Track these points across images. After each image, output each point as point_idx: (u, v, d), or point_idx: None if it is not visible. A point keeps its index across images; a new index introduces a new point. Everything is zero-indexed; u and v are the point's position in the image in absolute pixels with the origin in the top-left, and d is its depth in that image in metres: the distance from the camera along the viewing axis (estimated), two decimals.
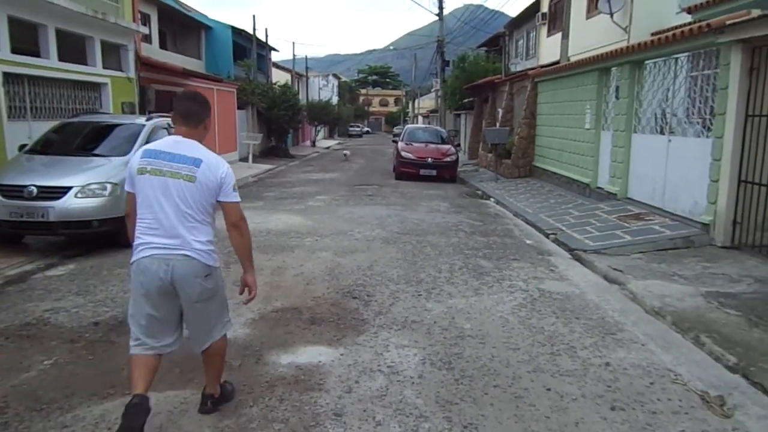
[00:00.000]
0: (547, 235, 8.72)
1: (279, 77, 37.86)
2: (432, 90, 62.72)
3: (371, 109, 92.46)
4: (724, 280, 5.95)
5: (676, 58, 8.71)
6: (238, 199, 3.17)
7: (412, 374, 3.90)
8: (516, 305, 5.38)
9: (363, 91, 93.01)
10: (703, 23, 7.27)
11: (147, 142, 8.23)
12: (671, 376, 3.88)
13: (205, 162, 3.03)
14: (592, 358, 4.17)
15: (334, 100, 55.84)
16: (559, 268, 6.80)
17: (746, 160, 6.93)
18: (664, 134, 8.98)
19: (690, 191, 8.07)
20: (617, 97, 10.42)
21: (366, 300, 5.49)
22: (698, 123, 8.16)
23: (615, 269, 6.52)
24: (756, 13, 6.54)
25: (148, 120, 8.76)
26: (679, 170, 8.44)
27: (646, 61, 9.60)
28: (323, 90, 55.90)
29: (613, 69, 10.92)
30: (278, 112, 25.64)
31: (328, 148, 38.39)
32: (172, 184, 2.98)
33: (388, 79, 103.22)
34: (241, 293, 3.30)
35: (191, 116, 3.13)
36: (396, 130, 74.69)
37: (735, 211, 7.10)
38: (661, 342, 4.48)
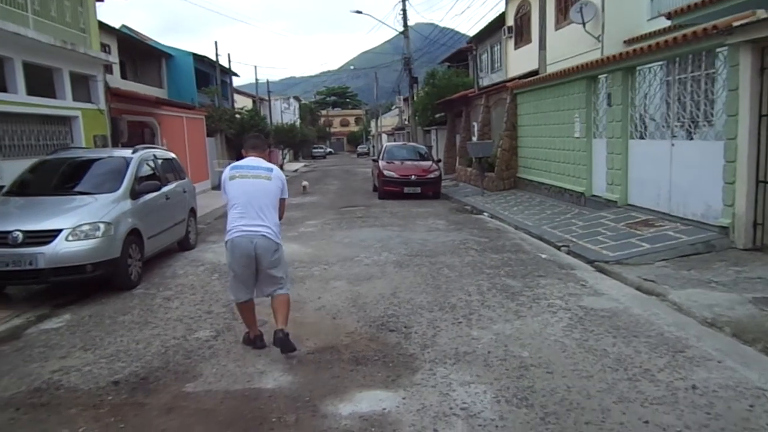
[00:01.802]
0: (558, 248, 8.50)
1: (241, 102, 37.31)
2: (394, 107, 62.98)
3: (332, 129, 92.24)
4: (765, 284, 5.78)
5: (674, 62, 8.69)
6: (288, 196, 4.86)
7: (492, 416, 3.52)
8: (565, 326, 5.07)
9: (323, 112, 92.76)
10: (708, 25, 7.22)
11: (135, 176, 7.73)
12: None
13: (274, 170, 4.76)
14: (675, 381, 3.88)
15: (297, 122, 55.43)
16: (589, 283, 6.55)
17: (762, 160, 6.86)
18: (665, 138, 8.93)
19: (700, 195, 7.99)
20: (609, 104, 10.37)
21: (405, 332, 5.09)
22: (704, 125, 8.11)
23: (647, 280, 6.30)
24: (762, 14, 6.53)
25: (134, 152, 8.21)
26: (685, 174, 8.37)
27: (639, 67, 9.59)
28: (285, 113, 55.38)
29: (602, 76, 10.90)
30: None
31: (296, 170, 37.76)
32: (256, 183, 4.59)
33: (347, 99, 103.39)
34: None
35: (258, 146, 4.96)
36: (360, 149, 74.79)
37: (755, 213, 7.01)
38: (738, 357, 4.22)
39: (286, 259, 4.83)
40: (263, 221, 4.51)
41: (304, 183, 22.20)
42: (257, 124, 26.20)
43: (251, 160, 4.74)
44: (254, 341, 4.74)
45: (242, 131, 25.12)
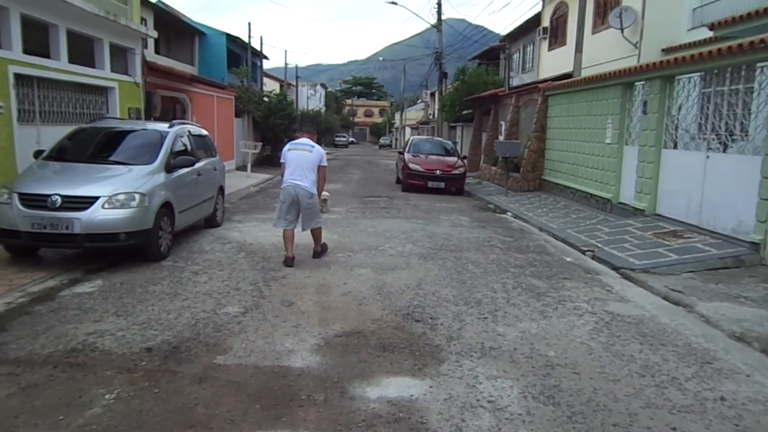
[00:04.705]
0: (583, 252, 8.46)
1: (268, 85, 37.45)
2: (420, 101, 62.81)
3: (356, 119, 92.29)
4: None
5: (713, 73, 8.59)
6: (326, 165, 7.36)
7: (519, 410, 3.56)
8: (591, 330, 5.08)
9: (348, 101, 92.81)
10: (756, 38, 7.11)
11: (171, 150, 7.84)
12: None
13: (316, 147, 7.39)
14: (703, 392, 3.88)
15: (322, 109, 55.57)
16: (615, 289, 6.53)
17: None
18: (700, 150, 8.83)
19: (733, 209, 7.90)
20: (645, 112, 10.27)
21: (431, 323, 5.14)
22: (741, 140, 8.01)
23: (674, 290, 6.27)
24: None
25: (170, 127, 8.32)
26: (718, 187, 8.27)
27: (678, 77, 9.47)
28: (311, 99, 55.55)
29: (638, 84, 10.78)
30: (274, 120, 25.21)
31: None
32: (302, 154, 7.25)
33: (373, 90, 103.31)
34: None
35: (309, 131, 7.80)
36: (382, 141, 74.72)
37: None
38: (767, 373, 4.21)
39: (318, 206, 7.36)
40: (304, 178, 7.12)
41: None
42: (284, 108, 26.21)
43: (303, 139, 7.44)
44: (286, 259, 7.11)
45: (269, 114, 25.23)
